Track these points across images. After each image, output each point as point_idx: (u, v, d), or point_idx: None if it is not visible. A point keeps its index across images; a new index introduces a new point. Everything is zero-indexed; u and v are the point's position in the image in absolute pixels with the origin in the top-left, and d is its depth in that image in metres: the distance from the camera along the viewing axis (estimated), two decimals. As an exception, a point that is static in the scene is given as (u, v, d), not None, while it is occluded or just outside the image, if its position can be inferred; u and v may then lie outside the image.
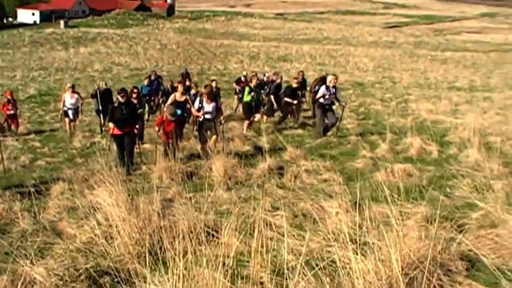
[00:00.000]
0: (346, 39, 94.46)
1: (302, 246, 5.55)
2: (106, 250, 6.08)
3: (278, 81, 21.04)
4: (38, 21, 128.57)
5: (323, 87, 15.76)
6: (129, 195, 7.32)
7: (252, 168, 10.99)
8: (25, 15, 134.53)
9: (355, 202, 6.89)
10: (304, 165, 11.24)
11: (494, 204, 6.76)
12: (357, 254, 4.80)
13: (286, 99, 18.65)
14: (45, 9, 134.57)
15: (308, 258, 5.24)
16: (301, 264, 4.44)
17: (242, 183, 9.94)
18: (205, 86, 14.53)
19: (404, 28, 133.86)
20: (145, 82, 23.17)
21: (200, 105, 14.01)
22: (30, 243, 6.41)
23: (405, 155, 12.49)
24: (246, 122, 18.49)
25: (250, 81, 18.97)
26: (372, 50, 70.77)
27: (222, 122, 15.03)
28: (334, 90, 15.79)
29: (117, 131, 13.13)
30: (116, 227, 6.33)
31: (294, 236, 6.08)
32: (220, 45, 70.97)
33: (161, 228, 6.35)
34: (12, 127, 21.51)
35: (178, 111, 14.44)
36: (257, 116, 18.41)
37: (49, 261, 5.84)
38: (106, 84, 22.61)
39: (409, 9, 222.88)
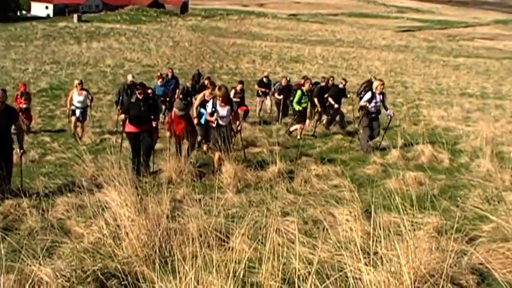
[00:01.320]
0: (358, 42, 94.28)
1: (312, 254, 5.52)
2: (114, 251, 6.04)
3: (323, 84, 19.49)
4: (51, 15, 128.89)
5: (369, 94, 14.36)
6: (138, 195, 7.29)
7: (262, 171, 10.94)
8: (39, 9, 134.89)
9: (366, 210, 6.85)
10: (314, 169, 11.21)
11: (506, 216, 6.70)
12: (368, 265, 4.76)
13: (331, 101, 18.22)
14: (58, 3, 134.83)
15: (318, 267, 5.19)
16: (312, 275, 4.39)
17: (252, 186, 9.91)
18: (220, 88, 12.32)
19: (418, 32, 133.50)
20: (158, 82, 21.03)
21: (213, 108, 12.09)
22: (38, 241, 6.39)
23: (416, 163, 12.45)
24: (299, 126, 16.95)
25: (303, 85, 17.44)
26: (384, 54, 70.62)
27: (239, 128, 13.13)
28: (381, 97, 14.37)
29: (132, 128, 12.20)
30: (124, 227, 6.29)
31: (304, 243, 6.04)
32: (232, 44, 70.97)
33: (170, 230, 6.32)
34: (25, 122, 19.10)
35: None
36: (307, 122, 17.16)
37: (56, 261, 5.81)
38: (133, 77, 21.35)
39: (422, 13, 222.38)
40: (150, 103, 12.46)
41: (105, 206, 7.14)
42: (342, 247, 5.23)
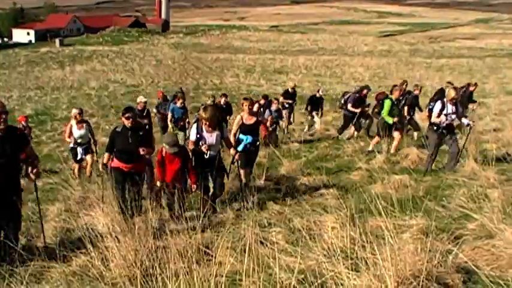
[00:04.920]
0: (341, 50, 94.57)
1: (299, 263, 5.52)
2: (102, 273, 6.03)
3: (416, 92, 17.51)
4: (33, 41, 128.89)
5: (438, 104, 12.02)
6: (124, 215, 7.29)
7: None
8: (20, 35, 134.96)
9: (352, 216, 6.88)
10: (300, 179, 11.24)
11: (490, 214, 6.74)
12: (351, 270, 4.79)
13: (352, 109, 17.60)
14: (40, 29, 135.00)
15: (303, 276, 5.20)
16: (292, 285, 4.41)
17: (237, 199, 9.90)
18: (205, 108, 9.73)
19: (399, 36, 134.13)
20: (178, 103, 17.22)
21: (198, 135, 9.60)
22: (26, 267, 6.37)
23: (401, 166, 12.51)
24: (376, 139, 15.11)
25: (392, 93, 15.14)
26: (367, 60, 70.81)
27: (236, 159, 10.26)
28: (455, 108, 11.97)
29: (119, 164, 9.46)
30: (111, 248, 6.28)
31: (289, 252, 6.06)
32: (215, 60, 71.03)
33: (157, 249, 6.33)
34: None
35: (248, 139, 11.04)
36: (396, 135, 14.88)
37: (44, 286, 5.83)
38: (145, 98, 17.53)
39: (403, 17, 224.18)
40: (141, 134, 9.49)
41: (92, 229, 7.11)
42: (326, 254, 5.26)
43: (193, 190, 9.41)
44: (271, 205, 9.16)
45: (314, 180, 11.31)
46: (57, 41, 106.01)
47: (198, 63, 65.50)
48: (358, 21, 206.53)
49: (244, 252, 5.14)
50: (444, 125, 11.85)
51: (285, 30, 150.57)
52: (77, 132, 14.26)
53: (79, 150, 14.48)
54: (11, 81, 56.53)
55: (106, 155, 9.59)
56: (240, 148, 10.79)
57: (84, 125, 14.44)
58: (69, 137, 14.34)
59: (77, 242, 7.27)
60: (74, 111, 14.50)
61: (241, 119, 11.17)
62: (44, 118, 32.52)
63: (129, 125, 9.22)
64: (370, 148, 15.09)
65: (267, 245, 6.34)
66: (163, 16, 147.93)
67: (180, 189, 8.93)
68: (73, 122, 14.32)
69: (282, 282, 4.88)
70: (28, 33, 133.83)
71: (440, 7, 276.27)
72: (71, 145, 14.49)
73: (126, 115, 9.20)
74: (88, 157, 14.51)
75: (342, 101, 18.99)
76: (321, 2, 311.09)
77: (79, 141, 14.33)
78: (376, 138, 15.18)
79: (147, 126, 11.94)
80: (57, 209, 10.00)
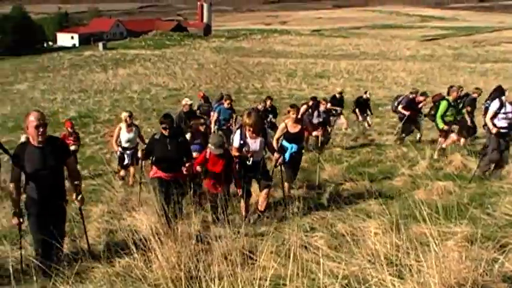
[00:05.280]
0: (383, 54, 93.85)
1: (342, 269, 5.49)
2: (144, 274, 6.09)
3: (474, 95, 17.01)
4: (77, 44, 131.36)
5: (495, 103, 11.38)
6: (167, 217, 7.35)
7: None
8: (65, 39, 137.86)
9: (395, 222, 6.82)
10: (342, 184, 11.19)
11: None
12: (395, 276, 4.75)
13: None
14: (84, 32, 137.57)
15: (346, 281, 5.17)
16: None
17: (280, 203, 9.90)
18: (248, 114, 9.30)
19: (442, 41, 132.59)
20: (225, 104, 17.11)
21: (241, 141, 9.33)
22: (71, 267, 6.46)
23: (445, 172, 12.35)
24: (443, 142, 14.76)
25: (448, 95, 14.71)
26: (409, 64, 70.07)
27: (279, 162, 9.99)
28: None
29: (159, 174, 9.28)
30: (154, 250, 6.31)
31: (332, 258, 6.04)
32: (257, 64, 71.02)
33: (199, 251, 6.36)
34: None
35: (293, 147, 10.98)
36: (453, 137, 14.65)
37: (88, 285, 5.91)
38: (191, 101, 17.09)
39: (446, 21, 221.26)
40: (181, 141, 9.43)
41: (135, 230, 7.18)
42: (369, 260, 5.22)
43: (238, 194, 9.31)
44: (313, 210, 9.13)
45: (356, 185, 11.24)
46: (100, 44, 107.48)
47: (240, 67, 65.58)
48: (400, 25, 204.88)
49: (288, 257, 5.14)
50: (504, 124, 11.24)
51: (326, 34, 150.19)
52: (126, 135, 13.99)
53: (126, 156, 14.19)
54: (55, 84, 57.38)
55: (142, 152, 9.69)
56: (286, 158, 10.69)
57: (134, 128, 14.18)
58: (116, 140, 14.08)
59: (120, 243, 7.34)
60: (124, 114, 14.25)
61: (286, 126, 11.01)
62: (87, 120, 32.90)
63: (166, 134, 9.19)
64: (443, 146, 14.69)
65: (310, 250, 6.32)
66: (205, 20, 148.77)
67: (222, 193, 8.81)
68: (122, 125, 14.08)
69: (326, 287, 4.86)
70: (72, 37, 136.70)
71: (484, 10, 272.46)
72: (120, 149, 14.16)
73: (163, 125, 9.19)
74: (131, 168, 14.20)
75: (395, 104, 18.35)
76: (363, 6, 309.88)
77: (126, 145, 14.06)
78: (452, 137, 14.67)
79: (204, 126, 11.85)
80: (100, 210, 10.10)
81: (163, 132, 9.18)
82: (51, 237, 6.65)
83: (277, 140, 11.02)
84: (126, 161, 14.24)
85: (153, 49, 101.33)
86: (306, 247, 6.51)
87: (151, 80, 54.85)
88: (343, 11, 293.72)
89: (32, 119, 6.55)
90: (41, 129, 6.56)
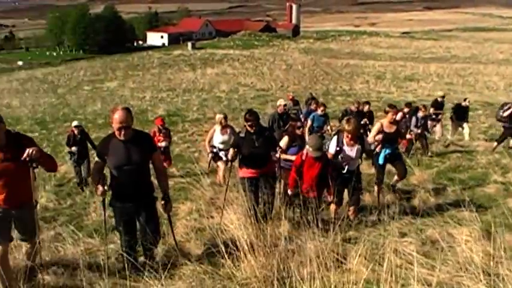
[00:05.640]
0: (475, 57, 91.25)
1: (431, 275, 5.45)
2: (233, 273, 6.16)
3: None
4: (166, 44, 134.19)
5: None
6: (256, 217, 7.41)
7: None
8: (154, 38, 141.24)
9: (487, 230, 6.69)
10: (432, 189, 11.02)
11: None
12: (490, 286, 4.67)
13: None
14: (173, 32, 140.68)
15: (437, 288, 5.13)
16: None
17: (370, 207, 9.83)
18: (348, 120, 9.05)
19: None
20: (319, 110, 16.85)
21: (338, 148, 8.98)
22: (160, 263, 6.59)
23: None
24: None
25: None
26: (502, 68, 67.86)
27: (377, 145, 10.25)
28: None
29: (247, 172, 9.10)
30: (243, 249, 6.37)
31: (422, 264, 5.98)
32: (345, 65, 70.43)
33: (288, 252, 6.40)
34: (165, 164, 12.40)
35: (387, 150, 10.79)
36: None
37: (177, 282, 6.02)
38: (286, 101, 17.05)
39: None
40: (267, 136, 9.21)
41: (224, 229, 7.29)
42: (461, 268, 5.15)
43: (330, 200, 9.11)
44: (402, 214, 9.04)
45: (446, 191, 11.06)
46: (189, 44, 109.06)
47: (328, 69, 65.29)
48: (493, 27, 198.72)
49: (380, 264, 5.12)
50: None
51: (416, 36, 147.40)
52: (220, 137, 13.57)
53: (222, 154, 13.48)
54: (144, 82, 58.70)
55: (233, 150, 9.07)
56: (380, 161, 10.58)
57: (228, 130, 13.65)
58: (209, 141, 13.80)
59: (208, 241, 7.47)
60: (219, 116, 13.83)
61: (382, 126, 10.79)
62: (175, 119, 33.39)
63: (252, 129, 8.91)
64: None
65: (400, 256, 6.27)
66: (293, 21, 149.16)
67: (315, 198, 8.50)
68: (217, 127, 13.71)
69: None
70: (162, 37, 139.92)
71: None
72: (214, 150, 13.70)
73: (249, 122, 8.92)
74: (220, 163, 13.68)
75: (501, 113, 17.01)
76: (454, 7, 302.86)
77: (221, 146, 13.57)
78: None
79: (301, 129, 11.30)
80: (188, 208, 10.19)
81: (249, 129, 8.93)
82: (135, 236, 6.82)
83: (373, 137, 10.72)
84: (224, 158, 13.31)
85: (241, 49, 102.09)
86: (395, 252, 6.46)
87: (239, 80, 55.26)
88: (434, 13, 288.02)
89: (116, 118, 6.40)
90: (123, 132, 6.41)
